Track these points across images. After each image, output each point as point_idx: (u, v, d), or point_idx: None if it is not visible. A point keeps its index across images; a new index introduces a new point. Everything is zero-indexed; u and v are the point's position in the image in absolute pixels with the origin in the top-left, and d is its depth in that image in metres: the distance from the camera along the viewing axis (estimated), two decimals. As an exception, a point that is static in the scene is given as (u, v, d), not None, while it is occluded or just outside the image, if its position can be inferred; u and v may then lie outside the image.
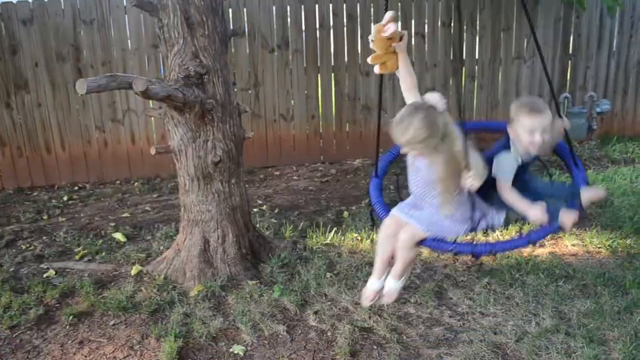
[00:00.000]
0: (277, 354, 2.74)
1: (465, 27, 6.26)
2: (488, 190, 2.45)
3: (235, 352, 2.75)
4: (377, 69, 2.50)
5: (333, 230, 4.10)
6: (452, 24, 6.21)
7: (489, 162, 2.42)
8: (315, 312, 3.05)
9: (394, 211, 2.59)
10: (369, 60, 2.48)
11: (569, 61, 6.63)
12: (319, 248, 3.85)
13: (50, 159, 5.74)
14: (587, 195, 2.47)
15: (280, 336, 2.87)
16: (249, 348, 2.79)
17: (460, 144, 2.23)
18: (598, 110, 6.45)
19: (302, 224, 4.28)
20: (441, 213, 2.46)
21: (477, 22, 6.30)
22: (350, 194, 5.19)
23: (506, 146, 2.50)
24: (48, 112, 5.62)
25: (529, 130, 2.37)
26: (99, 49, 5.58)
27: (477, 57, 6.39)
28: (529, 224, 3.58)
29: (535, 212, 2.37)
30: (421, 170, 2.41)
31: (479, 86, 6.45)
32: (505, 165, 2.45)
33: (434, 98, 2.28)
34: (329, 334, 2.87)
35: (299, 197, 5.16)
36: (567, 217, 2.35)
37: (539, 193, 2.52)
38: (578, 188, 2.50)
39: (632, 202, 4.52)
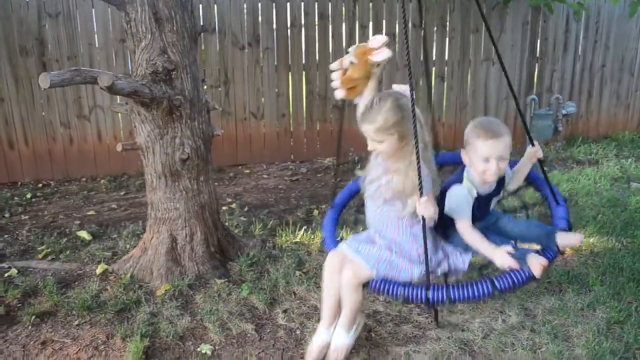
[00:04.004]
0: (245, 352, 2.71)
1: (435, 28, 6.33)
2: (449, 228, 2.24)
3: (203, 351, 2.71)
4: (341, 94, 2.37)
5: (303, 229, 4.09)
6: (423, 25, 6.26)
7: (442, 196, 2.22)
8: (284, 311, 3.04)
9: (341, 245, 2.37)
10: (337, 83, 2.36)
11: (536, 64, 6.77)
12: (288, 246, 3.84)
13: (13, 155, 5.58)
14: (564, 241, 2.17)
15: (248, 335, 2.85)
16: (216, 347, 2.75)
17: (427, 138, 2.16)
18: (564, 112, 6.58)
19: (271, 222, 4.26)
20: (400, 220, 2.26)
21: (447, 23, 6.37)
22: (321, 192, 5.19)
23: (459, 178, 2.26)
24: (11, 107, 5.46)
25: (483, 156, 2.12)
26: (65, 43, 5.45)
27: (446, 58, 6.46)
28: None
29: (501, 257, 2.08)
30: (380, 191, 2.26)
31: (448, 87, 6.52)
32: (458, 200, 2.18)
33: (402, 88, 2.24)
34: (297, 332, 2.86)
35: (268, 196, 5.13)
36: (534, 262, 2.05)
37: (509, 233, 2.28)
38: (554, 229, 2.20)
39: (596, 202, 4.63)
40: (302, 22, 5.96)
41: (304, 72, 6.11)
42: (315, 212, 4.55)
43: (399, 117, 2.11)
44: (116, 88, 2.81)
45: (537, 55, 6.73)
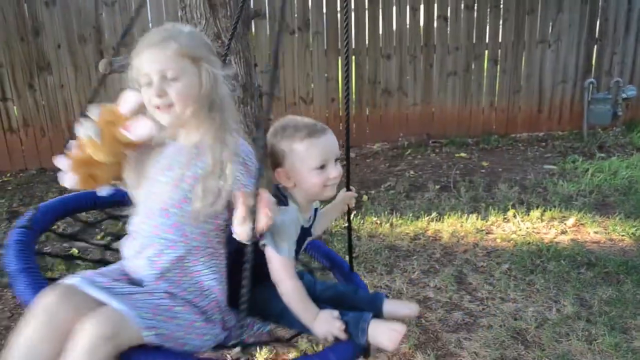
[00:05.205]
0: (296, 335, 2.75)
1: (489, 10, 6.17)
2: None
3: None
4: (71, 180, 1.56)
5: (352, 214, 4.08)
6: (476, 7, 6.12)
7: None
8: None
9: (72, 279, 1.38)
10: (64, 164, 1.56)
11: (595, 46, 6.50)
12: (337, 231, 3.85)
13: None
14: (395, 309, 1.64)
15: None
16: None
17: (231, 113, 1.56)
18: (624, 96, 6.32)
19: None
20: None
21: (501, 4, 6.19)
22: (370, 178, 5.18)
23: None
24: (70, 93, 5.67)
25: (315, 164, 1.56)
26: (121, 30, 5.59)
27: (500, 40, 6.29)
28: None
29: (325, 323, 1.45)
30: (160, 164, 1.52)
31: (501, 70, 6.35)
32: (286, 225, 1.51)
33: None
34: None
35: (318, 181, 5.15)
36: (385, 332, 1.43)
37: (317, 296, 1.59)
38: (378, 294, 1.67)
39: (657, 189, 4.45)
40: (352, 6, 5.91)
41: (353, 57, 6.08)
42: (365, 197, 4.55)
43: (205, 45, 1.54)
44: (172, 74, 2.87)
45: (597, 36, 6.46)
